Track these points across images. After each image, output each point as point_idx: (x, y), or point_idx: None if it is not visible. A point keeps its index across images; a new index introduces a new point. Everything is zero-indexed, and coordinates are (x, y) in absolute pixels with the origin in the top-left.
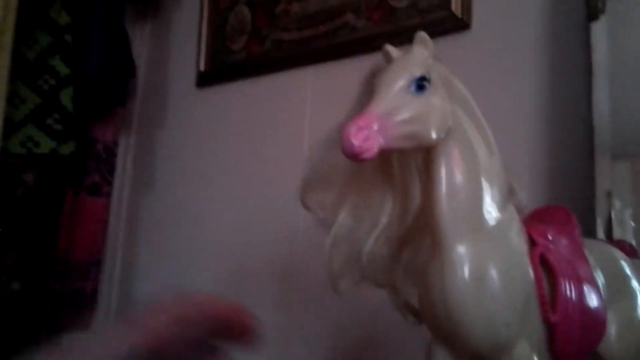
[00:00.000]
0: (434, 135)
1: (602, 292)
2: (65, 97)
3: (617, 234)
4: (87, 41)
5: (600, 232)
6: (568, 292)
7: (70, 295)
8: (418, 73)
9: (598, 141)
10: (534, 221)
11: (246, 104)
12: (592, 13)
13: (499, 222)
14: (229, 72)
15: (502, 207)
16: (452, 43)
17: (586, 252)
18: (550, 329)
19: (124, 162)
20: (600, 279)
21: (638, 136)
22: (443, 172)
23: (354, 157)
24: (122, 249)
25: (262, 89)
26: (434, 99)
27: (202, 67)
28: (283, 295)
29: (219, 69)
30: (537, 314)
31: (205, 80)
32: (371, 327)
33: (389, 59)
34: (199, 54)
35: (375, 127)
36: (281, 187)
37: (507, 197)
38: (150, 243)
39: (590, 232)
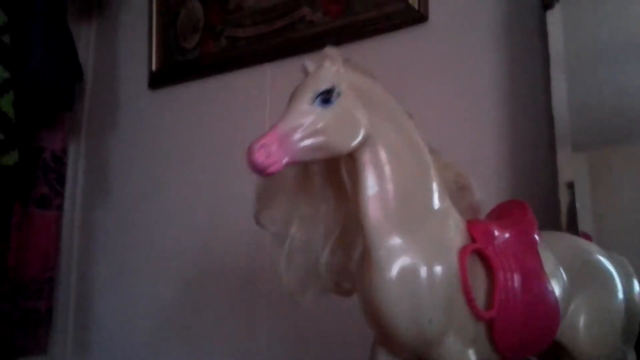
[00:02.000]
0: (348, 144)
1: (559, 284)
2: (6, 103)
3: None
4: (27, 42)
5: (564, 224)
6: (509, 286)
7: (23, 316)
8: (323, 87)
9: (558, 132)
10: (495, 217)
11: (202, 105)
12: (547, 2)
13: (431, 220)
14: (183, 71)
15: (435, 205)
16: (409, 36)
17: (546, 245)
18: (490, 324)
19: (75, 171)
20: (560, 271)
21: (595, 127)
22: (366, 176)
23: (258, 172)
24: (76, 265)
25: (218, 88)
26: (345, 109)
27: (154, 67)
28: (247, 303)
29: (172, 69)
30: (466, 309)
31: (157, 81)
32: (335, 332)
33: (306, 75)
34: (150, 53)
35: (275, 146)
36: (242, 192)
37: (442, 195)
38: (107, 256)
39: (554, 224)
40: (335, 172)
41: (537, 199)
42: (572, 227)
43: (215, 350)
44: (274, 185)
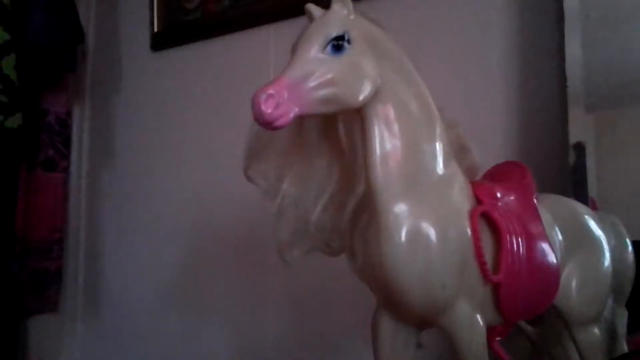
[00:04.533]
0: (358, 97)
1: (557, 248)
2: (7, 66)
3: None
4: (28, 3)
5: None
6: (515, 250)
7: (32, 276)
8: (334, 32)
9: (571, 91)
10: (492, 179)
11: (205, 66)
12: None
13: (439, 182)
14: (186, 33)
15: (442, 166)
16: None
17: (543, 208)
18: (496, 287)
19: (80, 133)
20: (557, 234)
21: (604, 88)
22: (375, 134)
23: (266, 125)
24: (85, 225)
25: (221, 50)
26: (355, 58)
27: (156, 28)
28: (252, 262)
29: (175, 30)
30: (476, 273)
31: (160, 42)
32: (341, 294)
33: (311, 19)
34: (152, 14)
35: (286, 94)
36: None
37: (449, 155)
38: (114, 216)
39: (562, 185)
40: (331, 128)
41: (547, 159)
42: (582, 188)
43: (221, 307)
44: (266, 138)
